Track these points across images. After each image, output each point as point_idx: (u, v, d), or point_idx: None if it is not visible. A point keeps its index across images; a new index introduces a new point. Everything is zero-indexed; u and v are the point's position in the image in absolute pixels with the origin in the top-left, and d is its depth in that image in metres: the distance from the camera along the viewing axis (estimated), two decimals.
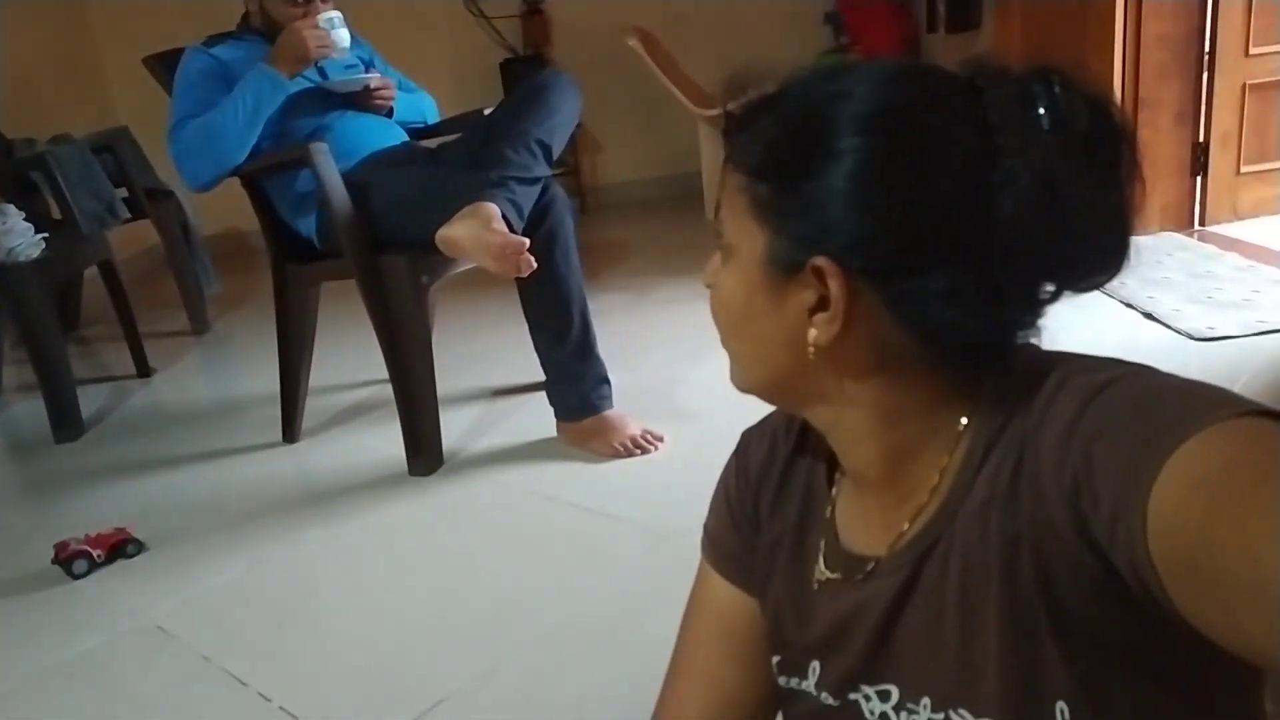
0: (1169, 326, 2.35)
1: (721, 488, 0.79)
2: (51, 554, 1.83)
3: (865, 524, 0.65)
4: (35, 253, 2.61)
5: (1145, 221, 3.10)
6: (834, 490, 0.69)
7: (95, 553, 1.83)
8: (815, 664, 0.67)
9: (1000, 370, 0.57)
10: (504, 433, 2.24)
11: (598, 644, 1.43)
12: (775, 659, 0.71)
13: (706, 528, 0.79)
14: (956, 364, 0.58)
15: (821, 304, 0.57)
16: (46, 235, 2.68)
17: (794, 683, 0.69)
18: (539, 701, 1.33)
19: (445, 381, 2.50)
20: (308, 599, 1.69)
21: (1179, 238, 3.05)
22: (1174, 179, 3.12)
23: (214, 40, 2.17)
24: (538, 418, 2.18)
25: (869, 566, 0.63)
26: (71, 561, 1.81)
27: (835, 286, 0.55)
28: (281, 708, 1.37)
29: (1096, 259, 0.56)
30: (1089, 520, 0.48)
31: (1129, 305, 2.52)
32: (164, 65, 2.21)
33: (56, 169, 2.91)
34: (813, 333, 0.57)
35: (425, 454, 2.06)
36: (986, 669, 0.55)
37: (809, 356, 0.58)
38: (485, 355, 2.76)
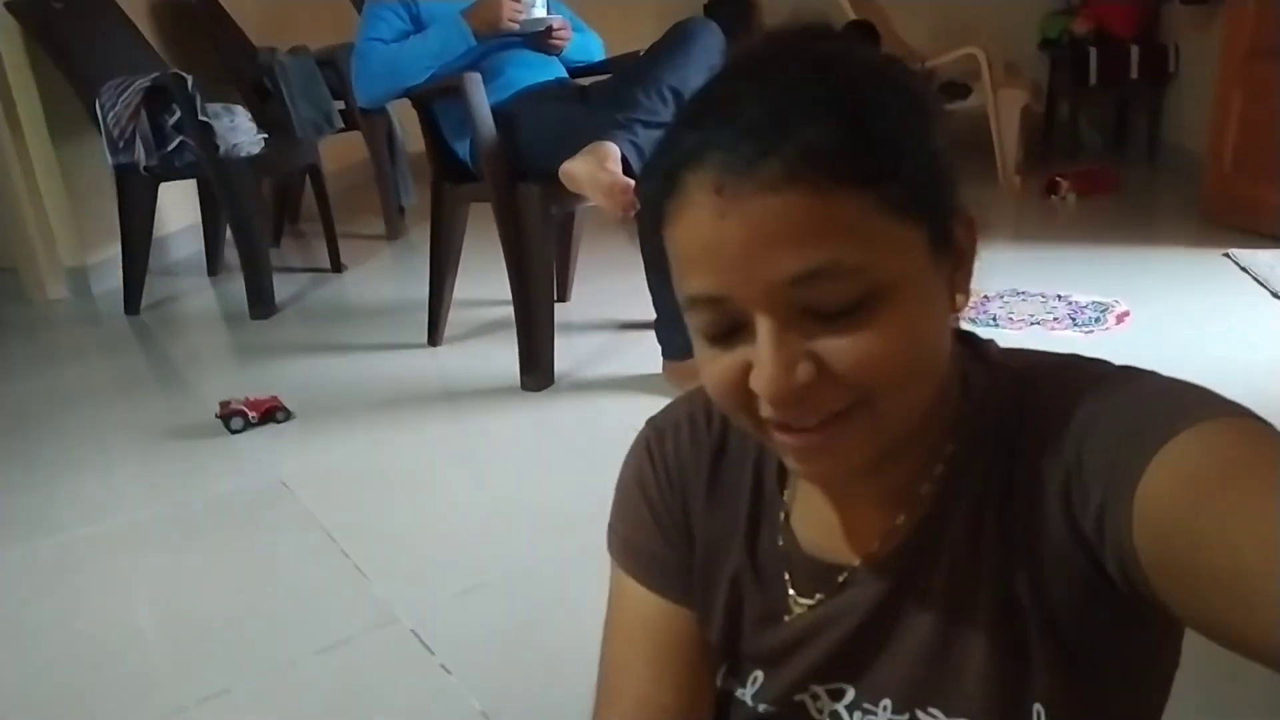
0: None
1: (635, 488, 0.69)
2: (217, 409, 2.15)
3: (831, 529, 0.60)
4: (255, 150, 2.98)
5: None
6: (786, 494, 0.63)
7: (251, 414, 2.14)
8: (758, 674, 0.63)
9: (983, 363, 0.57)
10: (616, 363, 2.37)
11: None
12: (724, 666, 0.66)
13: (619, 535, 0.70)
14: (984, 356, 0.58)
15: (955, 266, 0.52)
16: (266, 136, 3.05)
17: (734, 688, 0.65)
18: (560, 602, 1.46)
19: (578, 309, 2.66)
20: (408, 480, 1.90)
21: None
22: None
23: None
24: (650, 354, 2.29)
25: (841, 577, 0.59)
26: (230, 418, 2.12)
27: (969, 234, 0.53)
28: (356, 565, 1.58)
29: None
30: (1078, 516, 0.48)
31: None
32: None
33: (282, 78, 3.28)
34: (960, 298, 0.53)
35: (537, 371, 2.22)
36: (968, 669, 0.54)
37: (953, 336, 0.54)
38: (621, 289, 2.88)
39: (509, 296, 2.78)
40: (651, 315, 2.48)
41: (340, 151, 4.37)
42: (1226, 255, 2.82)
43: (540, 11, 2.28)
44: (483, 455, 2.00)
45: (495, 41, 2.30)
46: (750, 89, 0.48)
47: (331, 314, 3.04)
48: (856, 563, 0.58)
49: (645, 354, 2.36)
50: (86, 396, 2.47)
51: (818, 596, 0.60)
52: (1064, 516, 0.49)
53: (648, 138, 1.95)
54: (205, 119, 2.76)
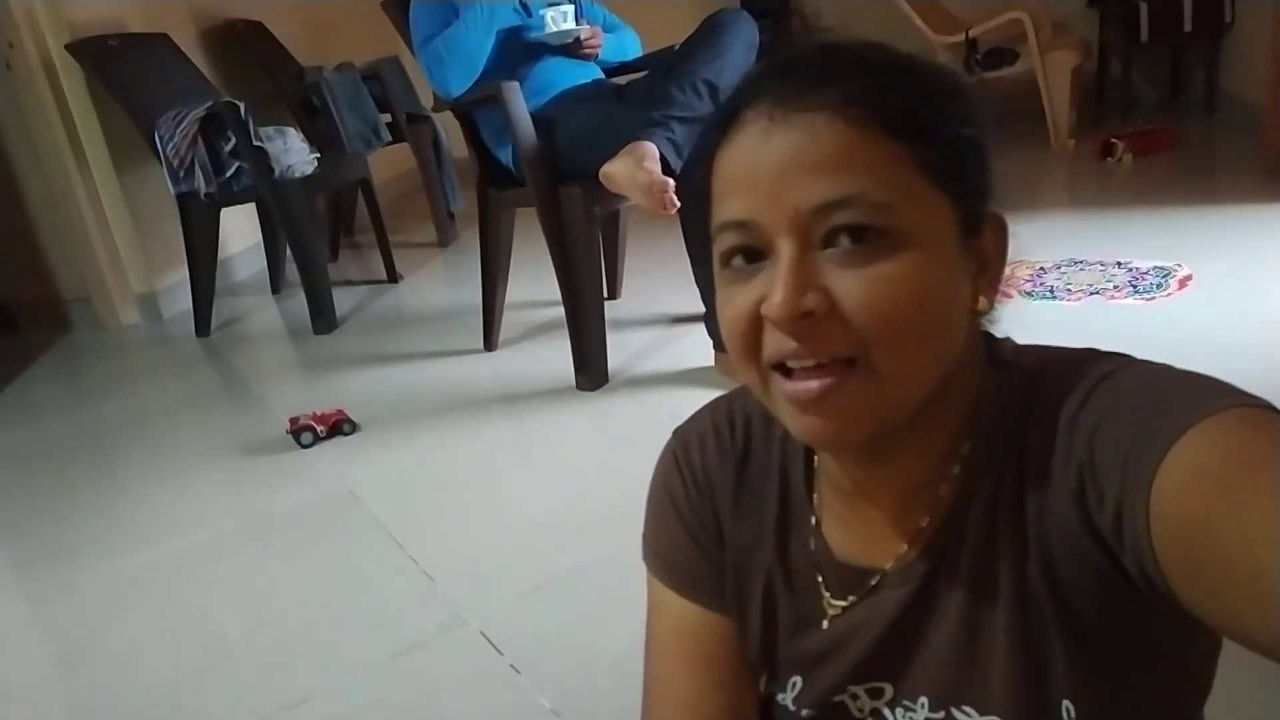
0: None
1: (665, 498, 0.70)
2: (287, 424, 2.23)
3: (860, 534, 0.60)
4: (308, 170, 3.06)
5: None
6: (815, 499, 0.63)
7: (319, 428, 2.21)
8: (796, 679, 0.64)
9: (996, 364, 0.57)
10: (667, 357, 2.39)
11: None
12: (765, 674, 0.67)
13: (654, 549, 0.72)
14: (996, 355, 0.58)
15: (980, 268, 0.54)
16: (319, 155, 3.13)
17: (774, 693, 0.66)
18: (617, 602, 1.49)
19: (628, 305, 2.69)
20: (471, 483, 1.95)
21: None
22: None
23: None
24: (701, 346, 2.31)
25: (873, 580, 0.59)
26: (300, 433, 2.20)
27: (998, 239, 0.54)
28: (424, 571, 1.63)
29: None
30: (1094, 514, 0.48)
31: None
32: (398, 5, 2.49)
33: (329, 95, 3.36)
34: (983, 300, 0.54)
35: (590, 371, 2.26)
36: (993, 667, 0.54)
37: (970, 334, 0.54)
38: (669, 282, 2.91)
39: (558, 297, 2.85)
40: (699, 308, 2.51)
41: (387, 162, 4.46)
42: None
43: (568, 23, 2.30)
44: (541, 456, 2.04)
45: (529, 49, 2.33)
46: (809, 49, 0.54)
47: (390, 324, 3.11)
48: (887, 566, 0.59)
49: (695, 347, 2.37)
50: (163, 417, 2.58)
51: (850, 599, 0.60)
52: (1079, 515, 0.49)
53: (684, 133, 1.97)
54: (259, 144, 2.84)
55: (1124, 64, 4.28)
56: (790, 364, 0.51)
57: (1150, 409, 0.47)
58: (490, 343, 2.62)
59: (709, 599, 0.68)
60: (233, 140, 2.87)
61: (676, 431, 0.73)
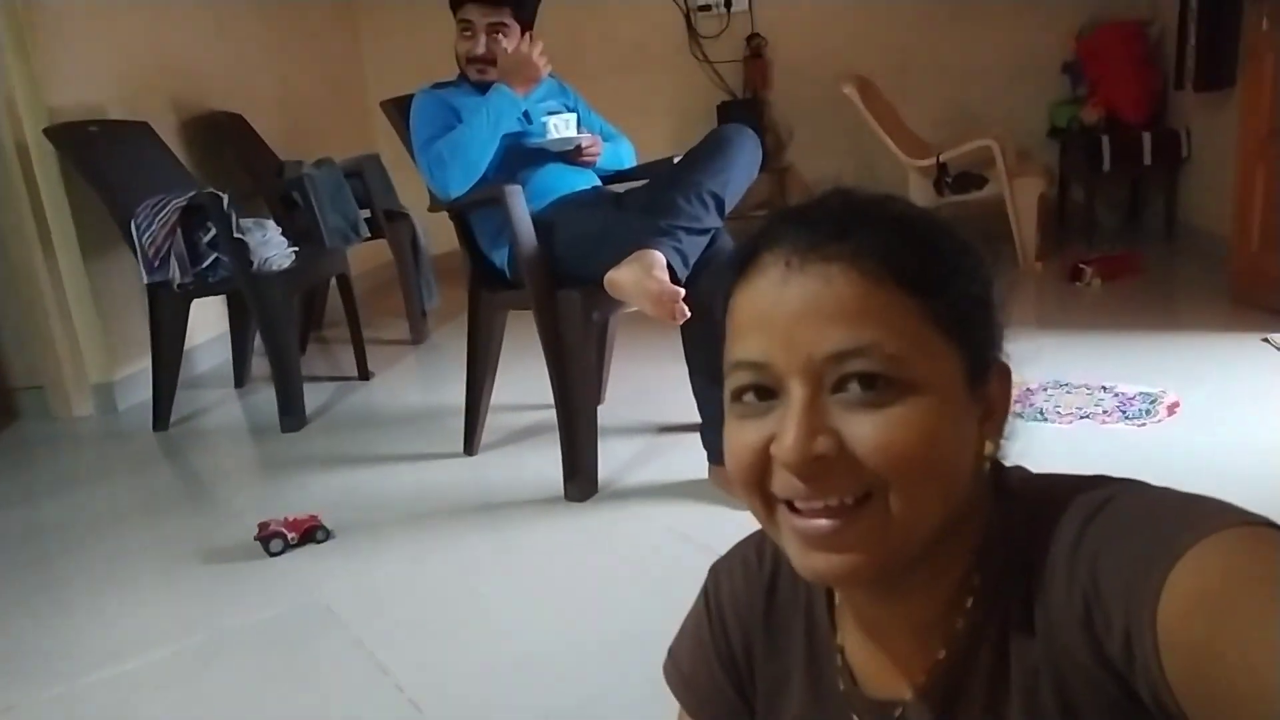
0: None
1: (698, 630, 0.73)
2: (255, 530, 2.10)
3: (879, 665, 0.62)
4: (286, 264, 2.99)
5: None
6: (839, 634, 0.65)
7: (290, 535, 2.08)
8: None
9: (1002, 495, 0.58)
10: (659, 469, 2.32)
11: None
12: None
13: (681, 674, 0.75)
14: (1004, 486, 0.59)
15: (986, 414, 0.56)
16: (297, 249, 3.07)
17: None
18: None
19: (615, 413, 2.63)
20: (457, 602, 1.83)
21: None
22: None
23: (438, 86, 2.42)
24: (693, 458, 2.24)
25: (897, 711, 0.60)
26: (269, 540, 2.06)
27: (1003, 387, 0.56)
28: (411, 700, 1.51)
29: None
30: (1103, 642, 0.49)
31: None
32: (398, 108, 2.48)
33: (312, 190, 3.32)
34: (989, 445, 0.56)
35: (581, 480, 2.18)
36: None
37: (977, 476, 0.56)
38: (657, 390, 2.86)
39: (543, 401, 2.77)
40: (691, 417, 2.46)
41: (359, 257, 4.41)
42: (1266, 340, 2.79)
43: (570, 130, 2.32)
44: (533, 572, 1.93)
45: (530, 155, 2.33)
46: (828, 198, 0.57)
47: (362, 424, 3.00)
48: (909, 696, 0.59)
49: (687, 457, 2.31)
50: (115, 520, 2.42)
51: None
52: (1089, 643, 0.49)
53: (691, 244, 1.95)
54: (240, 235, 2.78)
55: (1087, 191, 4.44)
56: (799, 504, 0.53)
57: (1149, 532, 0.48)
58: (471, 447, 2.53)
59: None
60: (212, 231, 2.80)
61: (713, 565, 0.75)
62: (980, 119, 4.54)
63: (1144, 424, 2.30)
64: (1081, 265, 3.73)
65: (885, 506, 0.51)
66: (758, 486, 0.54)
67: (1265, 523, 0.47)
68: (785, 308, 0.52)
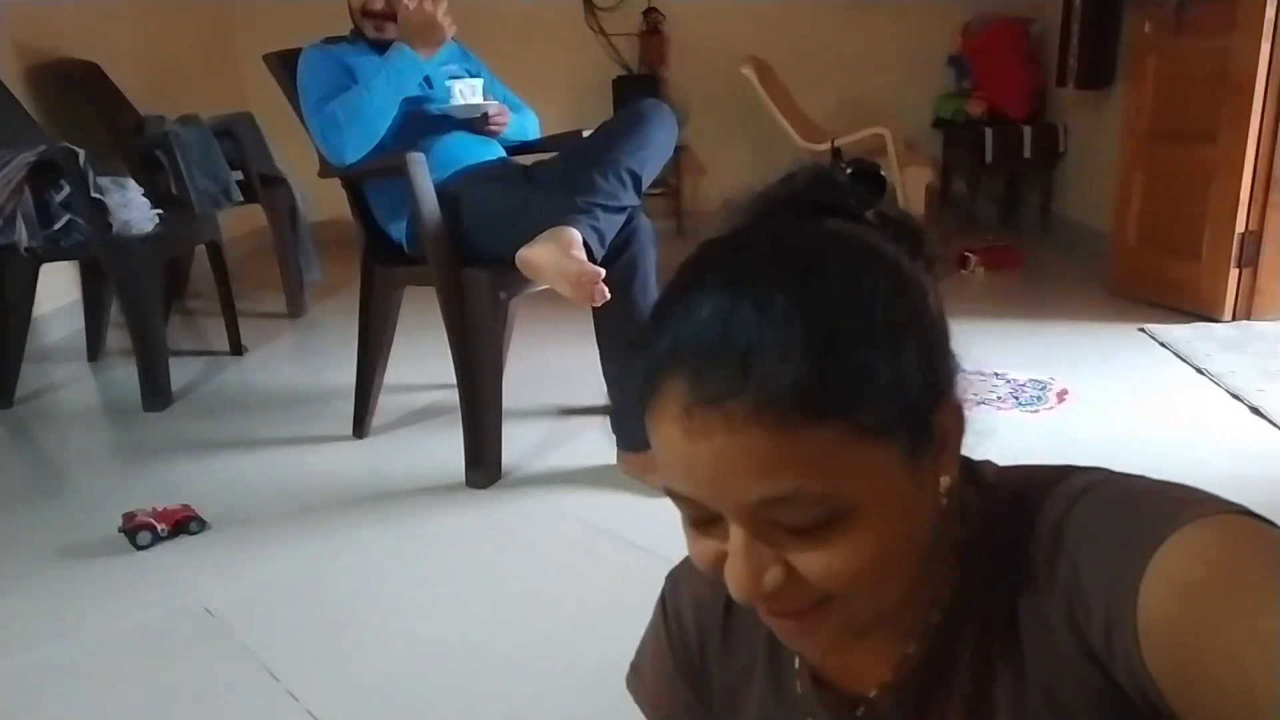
0: (1276, 425, 2.20)
1: (655, 640, 0.74)
2: (120, 522, 1.90)
3: (842, 664, 0.61)
4: (149, 228, 2.73)
5: (1264, 307, 2.93)
6: None
7: (160, 527, 1.90)
8: None
9: (980, 488, 0.57)
10: (565, 454, 2.24)
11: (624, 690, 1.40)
12: None
13: (644, 682, 0.76)
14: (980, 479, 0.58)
15: (940, 449, 0.53)
16: (161, 212, 2.81)
17: None
18: None
19: (516, 396, 2.51)
20: (352, 600, 1.71)
21: None
22: None
23: (330, 41, 2.24)
24: (600, 443, 2.17)
25: (859, 710, 0.60)
26: (137, 533, 1.87)
27: (956, 417, 0.53)
28: (307, 709, 1.39)
29: None
30: (1086, 633, 0.48)
31: (1236, 397, 2.37)
32: (283, 63, 2.28)
33: (178, 149, 3.05)
34: (945, 480, 0.53)
35: (484, 467, 2.07)
36: None
37: (939, 512, 0.54)
38: (560, 373, 2.77)
39: (439, 380, 2.65)
40: (596, 400, 2.39)
41: (230, 222, 4.12)
42: (1142, 330, 2.93)
43: (476, 97, 2.19)
44: (435, 566, 1.82)
45: (433, 122, 2.18)
46: (723, 300, 0.48)
47: (237, 403, 2.79)
48: (872, 694, 0.59)
49: (593, 442, 2.24)
50: None
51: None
52: (1072, 635, 0.49)
53: (609, 222, 1.87)
54: (97, 195, 2.52)
55: (970, 184, 4.57)
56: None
57: (1128, 522, 0.48)
58: (362, 430, 2.37)
59: None
60: (65, 190, 2.53)
61: (670, 572, 0.74)
62: (869, 108, 4.60)
63: (1037, 410, 2.37)
64: (967, 254, 3.83)
65: (847, 604, 0.51)
66: (721, 584, 0.53)
67: (1240, 510, 0.47)
68: (698, 461, 0.48)
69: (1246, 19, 2.77)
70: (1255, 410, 2.28)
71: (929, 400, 0.50)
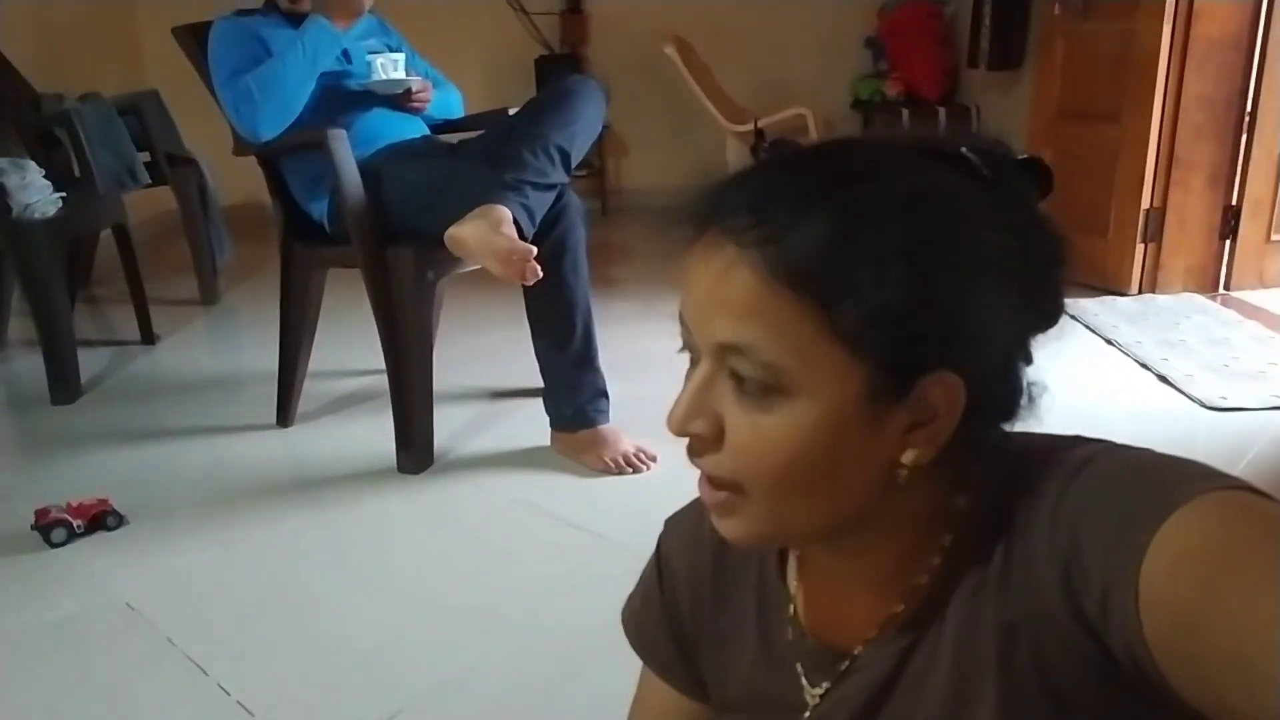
0: (1181, 391, 2.31)
1: (647, 586, 0.75)
2: (32, 519, 1.82)
3: (833, 617, 0.62)
4: (51, 210, 2.61)
5: (1168, 281, 3.06)
6: (790, 583, 0.64)
7: (75, 522, 1.82)
8: None
9: (981, 454, 0.56)
10: (497, 436, 2.22)
11: (568, 667, 1.40)
12: None
13: (640, 628, 0.76)
14: (982, 447, 0.56)
15: (919, 421, 0.52)
16: (64, 194, 2.68)
17: None
18: (500, 714, 1.30)
19: (445, 378, 2.48)
20: (280, 590, 1.66)
21: (1201, 300, 3.00)
22: (1202, 242, 3.07)
23: (242, 13, 2.16)
24: (533, 424, 2.16)
25: (844, 664, 0.60)
26: (51, 529, 1.79)
27: (948, 398, 0.51)
28: (239, 702, 1.35)
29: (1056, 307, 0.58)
30: (1082, 601, 0.48)
31: (1144, 365, 2.48)
32: (193, 36, 2.19)
33: (80, 127, 2.91)
34: (911, 454, 0.52)
35: (415, 451, 2.03)
36: None
37: (894, 482, 0.53)
38: (489, 355, 2.74)
39: (366, 366, 2.59)
40: (526, 382, 2.37)
41: (136, 205, 3.96)
42: None
43: (399, 72, 2.13)
44: (366, 550, 1.78)
45: (353, 98, 2.12)
46: (771, 172, 0.52)
47: (151, 393, 2.68)
48: (858, 650, 0.59)
49: (525, 424, 2.22)
50: None
51: (825, 685, 0.61)
52: (1066, 601, 0.49)
53: (538, 200, 1.85)
54: None
55: None
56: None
57: (1134, 493, 0.48)
58: (286, 417, 2.31)
59: (688, 687, 0.73)
60: None
61: (666, 519, 0.75)
62: (789, 89, 4.64)
63: None
64: None
65: (751, 498, 0.53)
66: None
67: (1243, 486, 0.47)
68: (696, 287, 0.52)
69: (1149, 3, 2.88)
70: (1162, 378, 2.39)
71: (917, 358, 0.50)
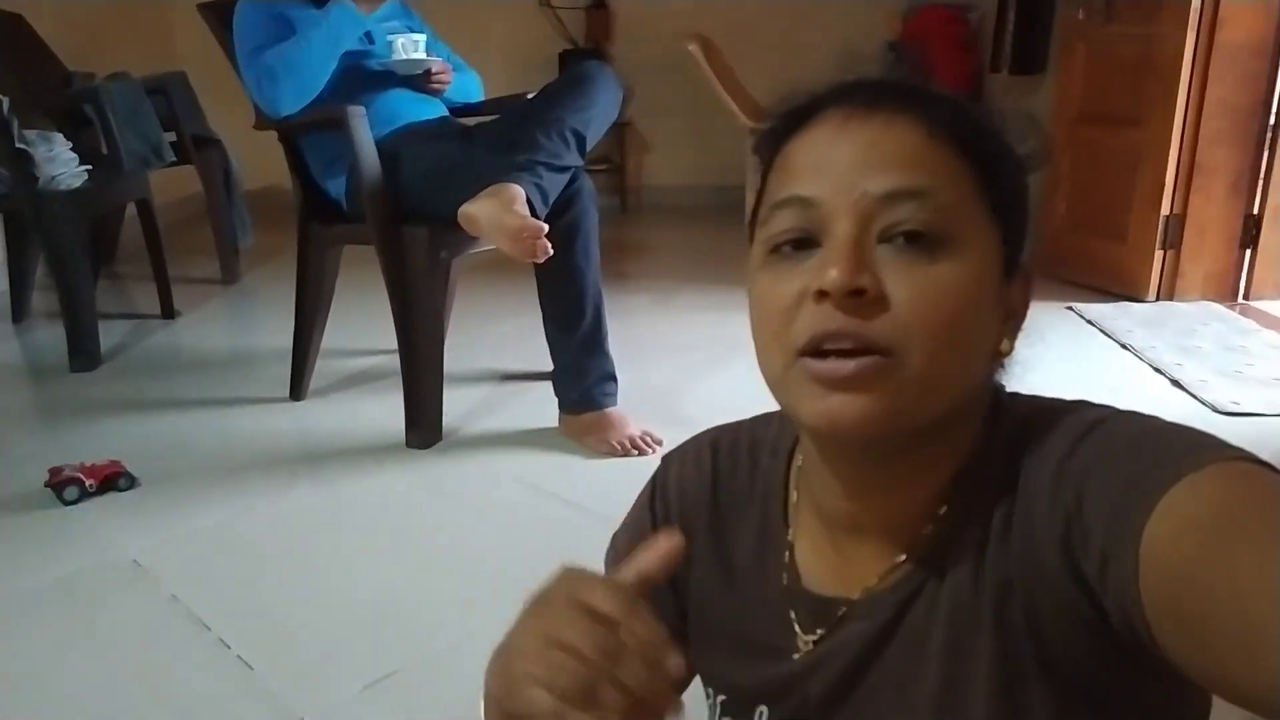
0: (1194, 396, 2.30)
1: (636, 514, 0.74)
2: (46, 477, 1.85)
3: (834, 566, 0.61)
4: (76, 183, 2.65)
5: (1187, 288, 3.04)
6: (790, 531, 0.65)
7: (88, 482, 1.85)
8: (763, 709, 0.64)
9: (991, 410, 0.58)
10: (506, 417, 2.24)
11: None
12: (719, 698, 0.68)
13: (616, 551, 0.74)
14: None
15: (1009, 312, 0.56)
16: (89, 168, 2.73)
17: None
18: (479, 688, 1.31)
19: (457, 359, 2.51)
20: (284, 555, 1.69)
21: (1219, 308, 2.98)
22: (1221, 248, 3.05)
23: None
24: (541, 406, 2.17)
25: (840, 611, 0.60)
26: (64, 487, 1.83)
27: (1024, 295, 0.57)
28: (239, 656, 1.37)
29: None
30: (1080, 560, 0.48)
31: (1158, 370, 2.47)
32: (218, 15, 2.23)
33: (107, 104, 2.95)
34: (1005, 343, 0.56)
35: (423, 427, 2.06)
36: (967, 714, 0.53)
37: (993, 370, 0.56)
38: (502, 337, 2.77)
39: (379, 345, 2.62)
40: (535, 366, 2.39)
41: (161, 185, 4.01)
42: (1070, 308, 3.02)
43: (419, 52, 2.16)
44: (370, 521, 1.81)
45: (373, 77, 2.15)
46: (886, 75, 0.57)
47: (168, 366, 2.73)
48: (855, 596, 0.59)
49: (534, 405, 2.24)
50: None
51: (819, 632, 0.60)
52: (1065, 561, 0.49)
53: (552, 181, 1.87)
54: (22, 146, 2.43)
55: None
56: (827, 346, 0.51)
57: (1140, 459, 0.48)
58: (299, 392, 2.34)
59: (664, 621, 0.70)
60: None
61: (665, 455, 0.74)
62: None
63: None
64: None
65: (907, 362, 0.51)
66: (781, 337, 0.53)
67: (1250, 457, 0.47)
68: (845, 147, 0.52)
69: (1173, 7, 2.87)
70: (1175, 383, 2.38)
71: (1019, 246, 0.55)
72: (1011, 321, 0.56)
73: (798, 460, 0.65)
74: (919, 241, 0.51)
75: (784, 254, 0.54)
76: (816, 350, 0.52)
